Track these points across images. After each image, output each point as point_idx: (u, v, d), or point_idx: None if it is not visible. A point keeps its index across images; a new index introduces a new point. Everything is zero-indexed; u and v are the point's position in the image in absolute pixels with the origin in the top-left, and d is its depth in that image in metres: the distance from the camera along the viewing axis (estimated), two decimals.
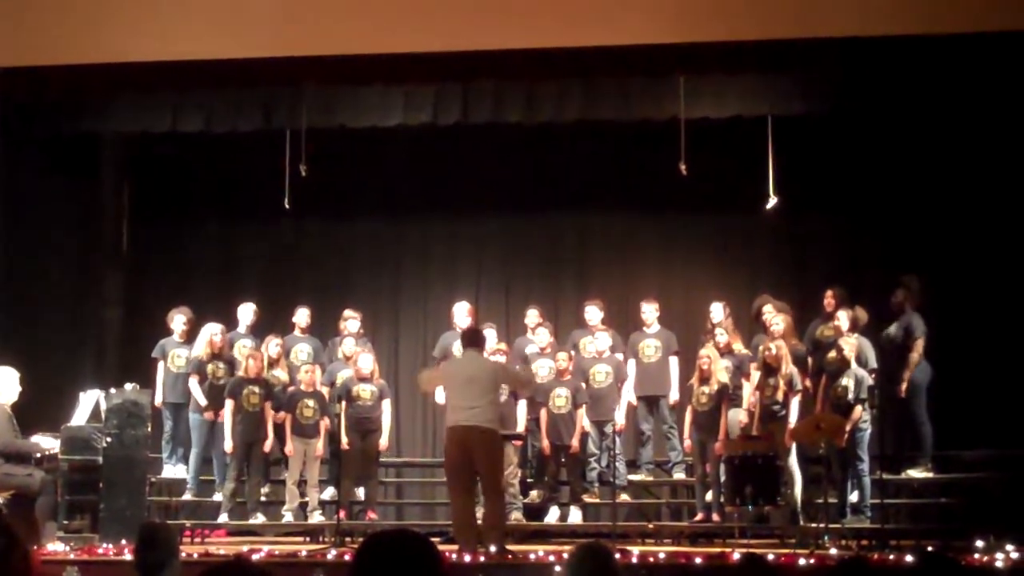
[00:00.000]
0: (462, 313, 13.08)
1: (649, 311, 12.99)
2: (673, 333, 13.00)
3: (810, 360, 12.32)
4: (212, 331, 12.64)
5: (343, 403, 12.30)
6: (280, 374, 12.75)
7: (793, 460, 11.39)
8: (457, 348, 12.66)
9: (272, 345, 12.82)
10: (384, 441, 12.58)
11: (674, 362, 12.85)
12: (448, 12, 10.79)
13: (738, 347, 12.52)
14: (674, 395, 12.73)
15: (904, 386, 12.13)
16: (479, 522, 10.16)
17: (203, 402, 12.50)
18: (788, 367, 11.65)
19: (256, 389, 12.26)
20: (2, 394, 10.51)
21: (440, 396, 12.91)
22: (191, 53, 11.02)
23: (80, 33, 11.05)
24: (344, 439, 12.25)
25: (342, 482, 12.19)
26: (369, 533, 4.45)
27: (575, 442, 12.25)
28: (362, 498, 12.55)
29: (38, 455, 10.65)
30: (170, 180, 14.46)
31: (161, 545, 5.48)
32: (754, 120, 12.25)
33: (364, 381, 12.42)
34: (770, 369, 11.70)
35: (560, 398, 12.26)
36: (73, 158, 13.49)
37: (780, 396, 11.59)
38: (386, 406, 12.57)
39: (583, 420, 12.32)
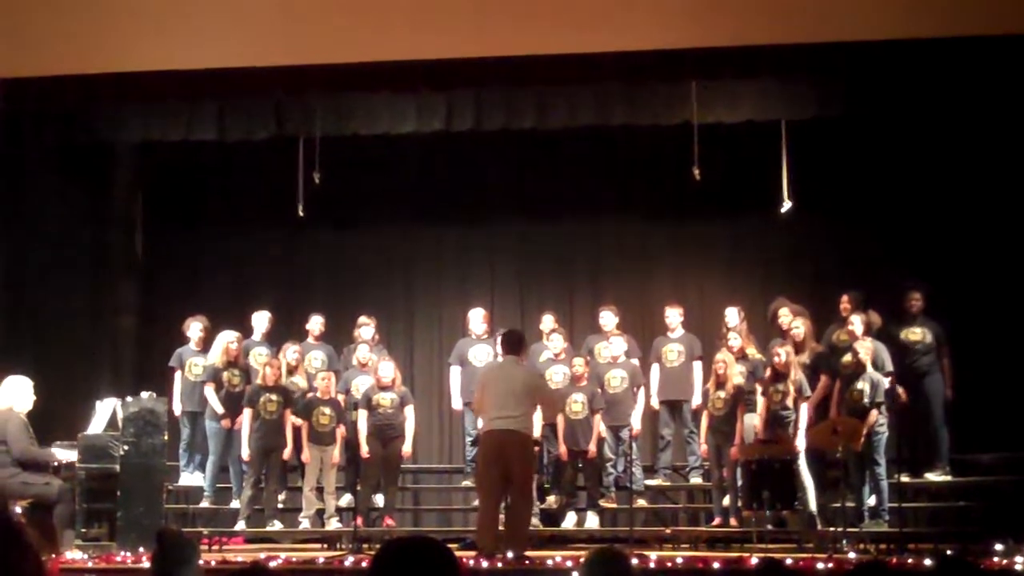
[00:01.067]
0: (477, 319, 13.09)
1: (673, 316, 13.01)
2: (697, 338, 13.00)
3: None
4: (228, 339, 12.67)
5: (360, 411, 12.31)
6: (299, 381, 12.75)
7: (802, 464, 11.35)
8: (473, 355, 12.75)
9: (290, 352, 12.84)
10: (407, 448, 12.55)
11: (697, 367, 12.86)
12: (459, 19, 10.80)
13: (751, 352, 12.49)
14: (696, 399, 12.72)
15: (950, 391, 12.22)
16: (502, 528, 10.17)
17: (219, 410, 12.53)
18: (797, 373, 11.64)
19: (274, 397, 12.27)
20: (18, 403, 10.53)
21: (456, 402, 12.95)
22: (203, 62, 11.05)
23: (93, 43, 11.09)
24: (364, 447, 12.24)
25: (360, 489, 12.20)
26: (386, 539, 4.45)
27: (592, 447, 12.24)
28: (380, 505, 12.53)
29: (55, 464, 10.69)
30: (184, 189, 14.51)
31: (179, 552, 5.49)
32: (767, 125, 12.24)
33: (385, 389, 12.42)
34: (779, 374, 11.68)
35: (577, 404, 12.25)
36: (87, 167, 13.53)
37: (789, 402, 11.58)
38: (409, 412, 12.55)
39: (599, 425, 12.31)
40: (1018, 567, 8.64)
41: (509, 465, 10.02)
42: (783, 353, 11.65)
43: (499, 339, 11.24)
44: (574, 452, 12.33)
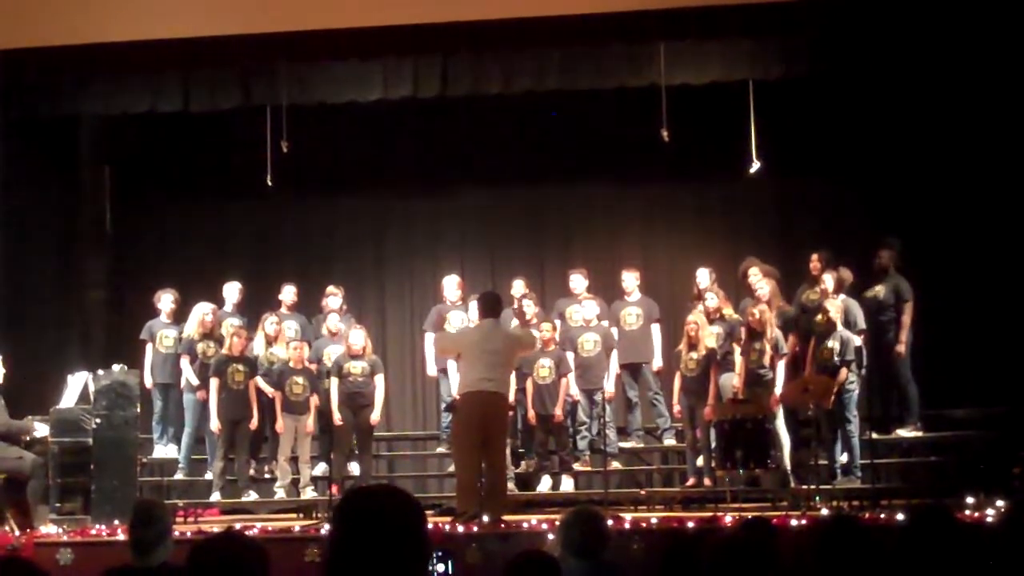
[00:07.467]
0: (452, 286, 13.08)
1: (629, 279, 13.02)
2: (654, 301, 13.03)
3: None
4: (203, 310, 12.63)
5: (332, 379, 12.30)
6: (279, 351, 12.69)
7: (780, 423, 11.40)
8: (453, 319, 12.80)
9: (269, 323, 12.78)
10: (375, 416, 12.54)
11: (656, 329, 12.90)
12: None
13: (728, 312, 12.49)
14: (658, 362, 12.79)
15: (903, 347, 12.19)
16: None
17: (195, 382, 12.49)
18: (773, 331, 11.66)
19: (241, 367, 12.24)
20: None
21: (431, 369, 12.95)
22: (167, 32, 10.99)
23: (56, 15, 11.01)
24: (336, 415, 12.23)
25: (334, 458, 12.19)
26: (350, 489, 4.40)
27: (559, 411, 12.26)
28: (355, 473, 12.51)
29: (28, 438, 10.66)
30: (152, 160, 14.40)
31: (157, 522, 5.49)
32: (734, 85, 12.21)
33: (355, 358, 12.39)
34: (755, 333, 11.71)
35: (544, 368, 12.25)
36: (53, 140, 13.42)
37: (767, 360, 11.61)
38: (379, 381, 12.52)
39: (571, 388, 12.33)
40: (989, 519, 8.72)
41: (488, 427, 10.04)
42: (758, 312, 11.68)
43: (476, 301, 11.28)
44: (541, 416, 12.36)
